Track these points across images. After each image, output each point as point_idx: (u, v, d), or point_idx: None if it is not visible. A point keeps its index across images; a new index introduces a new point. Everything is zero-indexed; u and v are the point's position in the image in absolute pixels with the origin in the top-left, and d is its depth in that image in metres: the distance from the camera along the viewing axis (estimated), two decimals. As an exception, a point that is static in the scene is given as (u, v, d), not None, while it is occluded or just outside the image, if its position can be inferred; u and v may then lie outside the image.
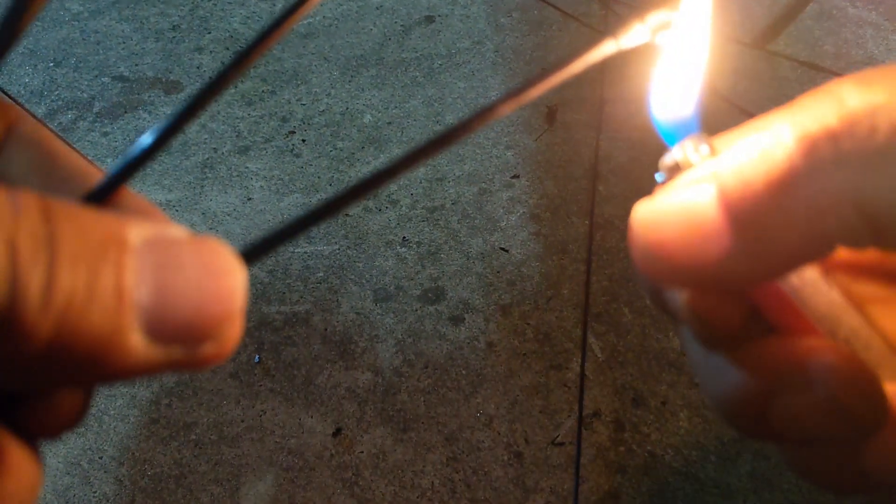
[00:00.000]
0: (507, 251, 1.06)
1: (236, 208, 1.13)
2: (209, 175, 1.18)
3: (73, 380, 0.15)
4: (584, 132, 1.20)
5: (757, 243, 0.18)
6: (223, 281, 0.16)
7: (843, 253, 0.21)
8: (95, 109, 1.29)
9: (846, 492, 0.20)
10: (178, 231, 0.16)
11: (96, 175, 0.19)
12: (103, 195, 0.17)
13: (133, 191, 0.18)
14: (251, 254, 0.17)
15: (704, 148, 0.20)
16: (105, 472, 0.87)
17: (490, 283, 1.02)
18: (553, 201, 1.11)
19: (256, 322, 1.00)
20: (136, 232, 0.15)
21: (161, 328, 0.15)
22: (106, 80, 1.34)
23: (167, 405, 0.92)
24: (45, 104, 1.30)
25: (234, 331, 0.16)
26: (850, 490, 0.20)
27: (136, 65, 1.37)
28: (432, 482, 0.86)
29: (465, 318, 0.99)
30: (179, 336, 0.15)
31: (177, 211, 1.13)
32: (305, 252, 1.07)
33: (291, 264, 1.06)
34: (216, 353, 0.16)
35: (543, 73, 0.18)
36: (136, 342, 0.15)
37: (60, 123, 1.27)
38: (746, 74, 1.28)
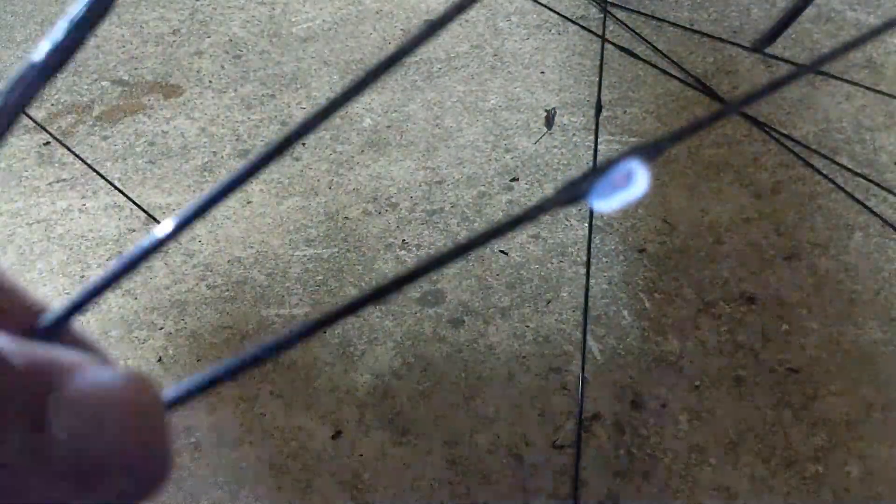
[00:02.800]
0: (506, 254, 1.06)
1: (236, 211, 1.13)
2: (209, 178, 1.18)
3: None
4: (582, 135, 1.21)
5: None
6: (147, 425, 0.16)
7: None
8: (95, 113, 1.29)
9: None
10: (105, 369, 0.16)
11: (39, 310, 0.18)
12: (44, 332, 0.17)
13: (75, 326, 0.18)
14: (178, 400, 0.18)
15: None
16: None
17: (489, 286, 1.02)
18: (552, 204, 1.11)
19: (255, 325, 1.00)
20: (59, 366, 0.15)
21: (78, 465, 0.15)
22: (106, 83, 1.35)
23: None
24: (45, 107, 1.30)
25: (157, 472, 0.16)
26: None
27: (136, 69, 1.37)
28: (432, 485, 0.86)
29: (464, 321, 0.99)
30: (98, 475, 0.15)
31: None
32: (305, 255, 1.07)
33: (290, 267, 1.06)
34: (142, 493, 0.16)
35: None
36: (53, 478, 0.14)
37: (60, 127, 1.27)
38: (745, 77, 1.29)
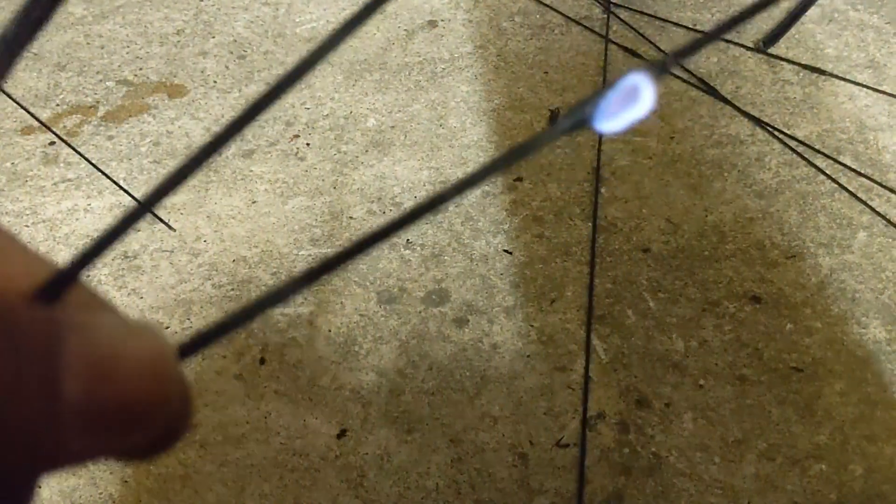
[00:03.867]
0: (510, 253, 1.06)
1: (241, 211, 1.13)
2: (213, 178, 1.18)
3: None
4: (586, 135, 1.21)
5: None
6: (158, 374, 0.16)
7: None
8: (100, 113, 1.30)
9: None
10: (115, 321, 0.16)
11: (46, 267, 0.18)
12: (49, 290, 0.16)
13: (81, 282, 0.18)
14: (189, 348, 0.18)
15: None
16: (111, 472, 0.87)
17: (493, 286, 1.02)
18: (556, 204, 1.11)
19: (260, 323, 1.00)
20: (69, 320, 0.15)
21: (93, 419, 0.15)
22: (110, 84, 1.35)
23: (172, 407, 0.93)
24: (50, 108, 1.30)
25: (171, 421, 0.16)
26: None
27: (141, 69, 1.37)
28: (437, 483, 0.86)
29: (468, 320, 0.99)
30: (113, 427, 0.15)
31: (182, 214, 1.13)
32: (309, 254, 1.08)
33: (295, 266, 1.06)
34: (156, 444, 0.16)
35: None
36: (68, 433, 0.14)
37: (65, 127, 1.27)
38: (748, 78, 1.29)
